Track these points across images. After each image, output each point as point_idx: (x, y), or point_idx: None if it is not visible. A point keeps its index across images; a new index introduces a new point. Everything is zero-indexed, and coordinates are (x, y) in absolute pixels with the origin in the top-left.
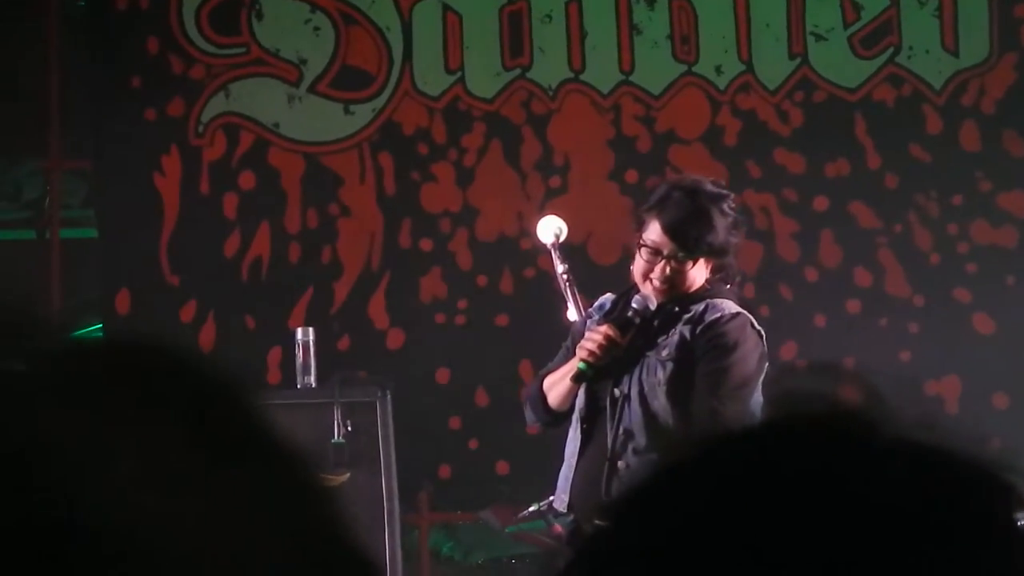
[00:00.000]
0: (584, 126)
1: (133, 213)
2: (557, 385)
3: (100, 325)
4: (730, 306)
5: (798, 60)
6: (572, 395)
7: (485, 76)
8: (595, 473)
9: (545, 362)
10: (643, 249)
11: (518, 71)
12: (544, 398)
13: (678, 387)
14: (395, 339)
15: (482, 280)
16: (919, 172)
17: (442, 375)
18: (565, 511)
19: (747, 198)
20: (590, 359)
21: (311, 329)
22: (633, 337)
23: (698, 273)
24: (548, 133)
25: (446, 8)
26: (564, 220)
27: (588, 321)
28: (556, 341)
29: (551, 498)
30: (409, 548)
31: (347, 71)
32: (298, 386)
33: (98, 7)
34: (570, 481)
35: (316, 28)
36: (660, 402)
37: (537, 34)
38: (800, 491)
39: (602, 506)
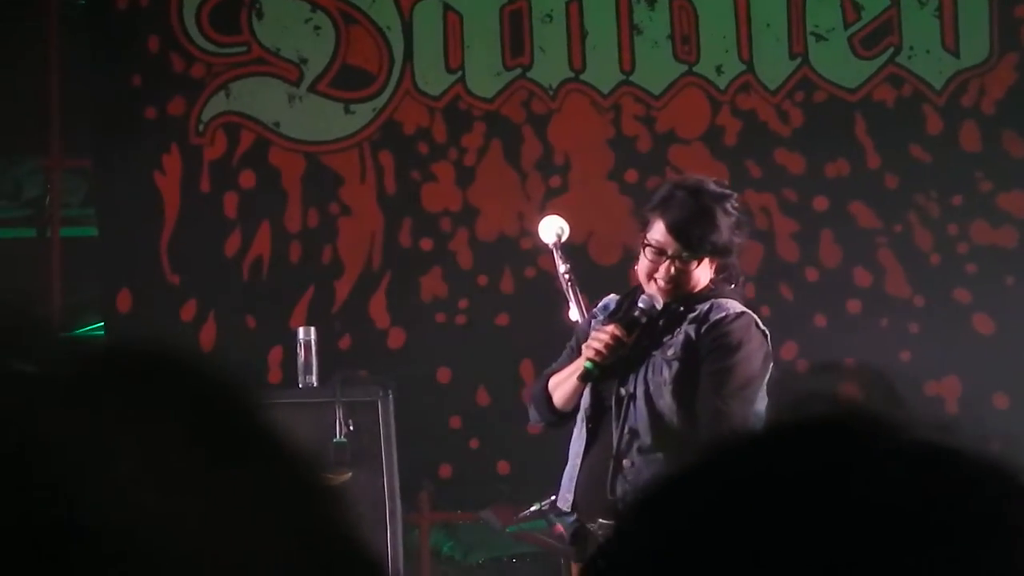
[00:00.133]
0: (584, 126)
1: (134, 212)
2: (562, 384)
3: (100, 324)
4: (735, 306)
5: (798, 60)
6: (577, 394)
7: (486, 76)
8: (600, 472)
9: (546, 362)
10: (647, 249)
11: (518, 71)
12: (549, 398)
13: (684, 386)
14: (396, 338)
15: (483, 280)
16: (919, 172)
17: (443, 374)
18: (569, 510)
19: (747, 198)
20: (596, 358)
21: (312, 328)
22: (639, 337)
23: (702, 273)
24: (548, 133)
25: (447, 8)
26: (564, 220)
27: (593, 321)
28: (557, 341)
29: (552, 497)
30: (410, 548)
31: (348, 70)
32: (299, 385)
33: (98, 6)
34: (574, 480)
35: (317, 27)
36: (666, 401)
37: (538, 34)
38: (809, 494)
39: (609, 506)
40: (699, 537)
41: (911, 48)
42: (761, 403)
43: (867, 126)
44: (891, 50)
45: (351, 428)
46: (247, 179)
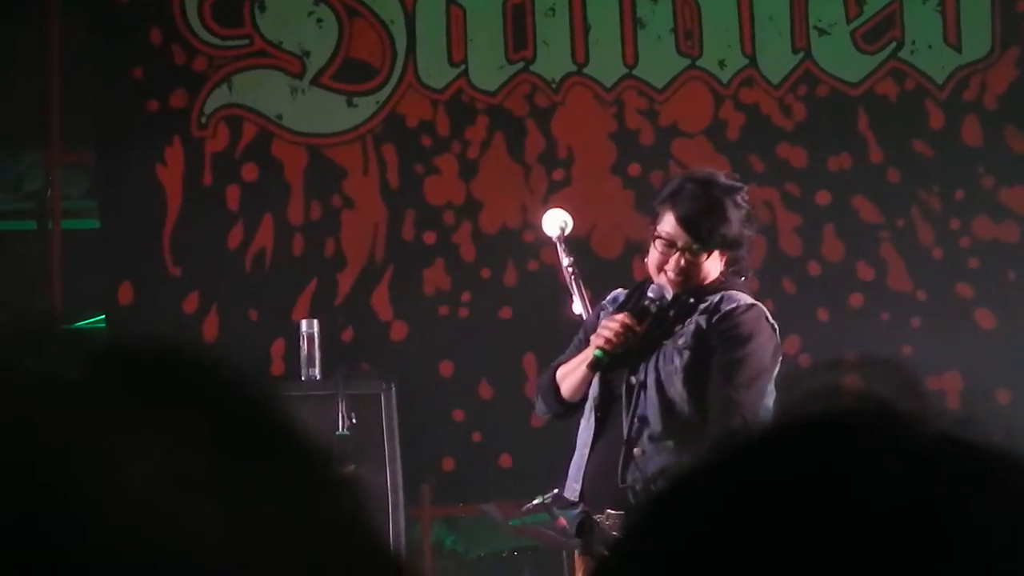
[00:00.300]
0: (587, 119)
1: (136, 204)
2: (571, 374)
3: (102, 317)
4: (745, 298)
5: (801, 54)
6: (586, 384)
7: (489, 69)
8: (610, 460)
9: (549, 355)
10: (657, 241)
11: (521, 64)
12: (557, 388)
13: (695, 375)
14: (399, 331)
15: (485, 273)
16: (921, 167)
17: (445, 368)
18: (576, 499)
19: (750, 192)
20: (607, 346)
21: (315, 321)
22: (649, 327)
23: (712, 265)
24: (552, 126)
25: (449, 1)
26: (567, 213)
27: (602, 313)
28: (560, 334)
29: (555, 491)
30: (411, 541)
31: (350, 63)
32: (302, 378)
33: None
34: (582, 470)
35: (319, 20)
36: (677, 389)
37: (540, 27)
38: (829, 492)
39: (619, 494)
40: (713, 535)
41: (913, 43)
42: (769, 398)
43: (869, 120)
44: (893, 45)
45: (354, 421)
46: (250, 172)
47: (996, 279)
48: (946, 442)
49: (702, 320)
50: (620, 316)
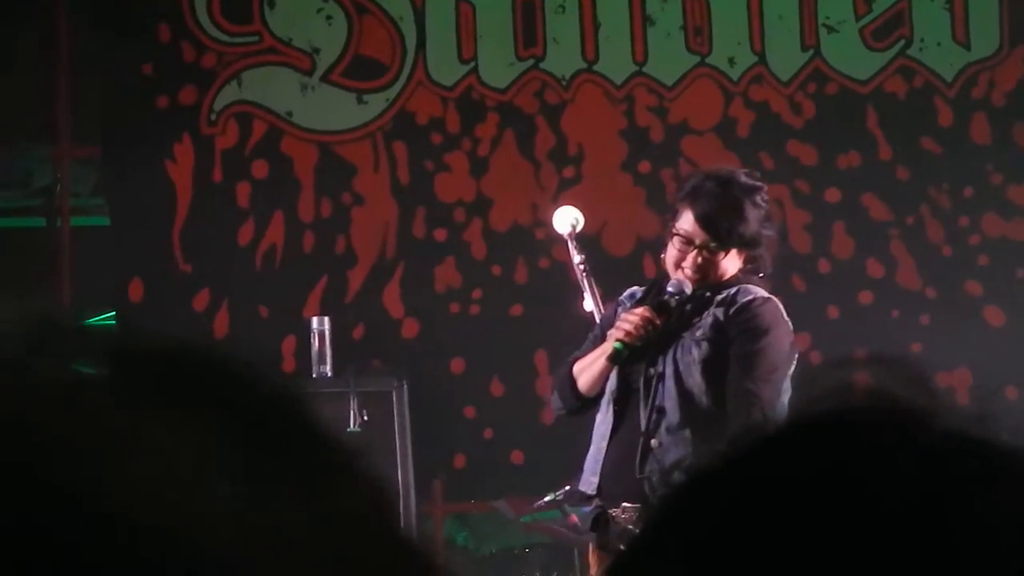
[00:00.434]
0: (597, 116)
1: (145, 201)
2: (589, 368)
3: (112, 314)
4: (761, 291)
5: (810, 52)
6: (604, 377)
7: (499, 66)
8: (627, 452)
9: (560, 352)
10: (676, 238)
11: (531, 61)
12: (574, 382)
13: (713, 366)
14: (410, 328)
15: (496, 270)
16: (930, 164)
17: (457, 365)
18: (593, 493)
19: None
20: (626, 339)
21: (326, 318)
22: (667, 320)
23: (730, 263)
24: (562, 123)
25: None
26: (578, 210)
27: (619, 309)
28: (571, 331)
29: (567, 487)
30: (423, 538)
31: (360, 60)
32: (313, 375)
33: None
34: (599, 463)
35: (329, 17)
36: (695, 380)
37: (551, 24)
38: (850, 491)
39: (636, 487)
40: (729, 530)
41: (922, 40)
42: (786, 395)
43: (878, 118)
44: (902, 42)
45: (365, 418)
46: (260, 169)
47: (1005, 276)
48: (957, 439)
49: (719, 312)
50: (640, 310)
